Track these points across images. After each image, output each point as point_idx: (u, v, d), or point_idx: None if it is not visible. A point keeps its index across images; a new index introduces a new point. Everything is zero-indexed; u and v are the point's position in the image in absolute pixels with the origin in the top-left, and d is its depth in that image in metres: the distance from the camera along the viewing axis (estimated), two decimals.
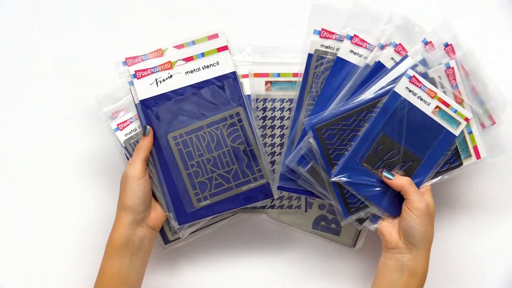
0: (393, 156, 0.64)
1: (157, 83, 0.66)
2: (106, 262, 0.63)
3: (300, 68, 0.67)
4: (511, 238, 0.75)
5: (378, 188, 0.65)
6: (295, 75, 0.68)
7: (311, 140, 0.65)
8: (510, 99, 0.67)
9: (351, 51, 0.66)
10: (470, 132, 0.65)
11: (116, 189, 0.68)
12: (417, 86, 0.63)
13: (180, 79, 0.66)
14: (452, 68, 0.64)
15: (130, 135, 0.68)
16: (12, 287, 0.75)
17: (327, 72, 0.66)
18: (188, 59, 0.66)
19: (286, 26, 0.78)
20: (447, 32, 0.66)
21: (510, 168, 0.76)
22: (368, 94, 0.64)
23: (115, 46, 0.79)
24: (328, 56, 0.66)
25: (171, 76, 0.66)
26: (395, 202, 0.65)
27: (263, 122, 0.69)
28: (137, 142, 0.67)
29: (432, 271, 0.63)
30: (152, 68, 0.66)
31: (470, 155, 0.66)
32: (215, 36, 0.67)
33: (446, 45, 0.66)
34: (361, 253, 0.75)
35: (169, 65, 0.66)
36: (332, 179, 0.65)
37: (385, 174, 0.64)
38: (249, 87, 0.68)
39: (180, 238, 0.71)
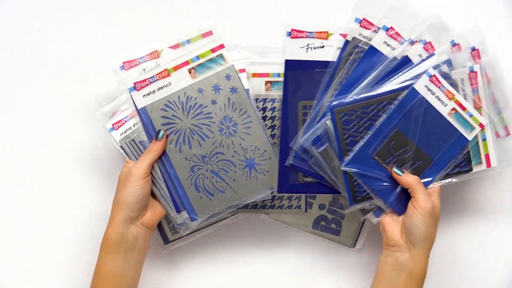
0: (405, 153, 0.64)
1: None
2: (101, 260, 0.63)
3: (334, 54, 0.68)
4: None
5: (386, 183, 0.65)
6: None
7: (328, 122, 0.65)
8: None
9: (385, 42, 0.67)
10: (484, 139, 0.65)
11: (115, 186, 0.68)
12: (436, 85, 0.64)
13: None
14: (475, 72, 0.65)
15: (125, 134, 0.68)
16: (11, 285, 0.75)
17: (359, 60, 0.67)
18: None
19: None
20: (476, 37, 0.67)
21: None
22: (390, 86, 0.65)
23: (115, 46, 0.79)
24: (362, 45, 0.67)
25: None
26: (401, 199, 0.64)
27: (263, 122, 0.69)
28: (133, 141, 0.67)
29: (436, 274, 0.63)
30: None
31: (480, 162, 0.66)
32: (209, 33, 0.67)
33: (473, 49, 0.67)
34: (361, 253, 0.75)
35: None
36: (343, 168, 0.65)
37: (395, 169, 0.64)
38: (246, 81, 0.68)
39: (180, 238, 0.71)
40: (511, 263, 0.75)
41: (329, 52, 0.68)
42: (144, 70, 0.68)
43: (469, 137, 0.64)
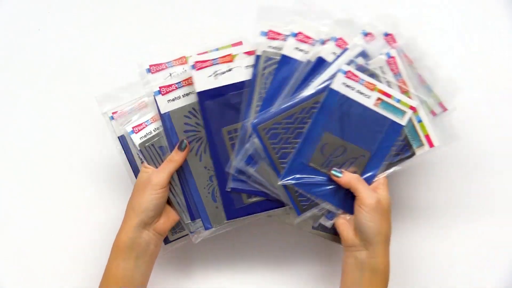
0: (340, 153, 0.63)
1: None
2: (111, 263, 0.63)
3: (247, 73, 0.66)
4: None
5: (330, 186, 0.64)
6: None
7: (255, 140, 0.64)
8: (462, 85, 0.65)
9: (296, 48, 0.65)
10: (420, 121, 0.63)
11: (117, 189, 0.68)
12: (354, 80, 0.62)
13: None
14: (393, 57, 0.63)
15: (145, 138, 0.67)
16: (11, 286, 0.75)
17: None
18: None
19: None
20: (387, 22, 0.65)
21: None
22: (308, 91, 0.63)
23: (115, 46, 0.80)
24: (274, 57, 0.65)
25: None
26: (348, 198, 0.63)
27: None
28: (153, 145, 0.66)
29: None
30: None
31: (422, 144, 0.64)
32: (239, 43, 0.67)
33: (386, 34, 0.65)
34: None
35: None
36: (280, 183, 0.64)
37: (333, 172, 0.63)
38: None
39: (180, 238, 0.71)
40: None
41: (239, 73, 0.66)
42: (170, 75, 0.68)
43: (403, 122, 0.62)
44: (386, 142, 0.63)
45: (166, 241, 0.71)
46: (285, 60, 0.65)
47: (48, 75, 0.79)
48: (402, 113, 0.62)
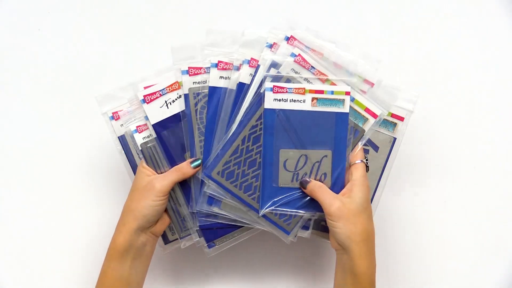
0: (303, 163, 0.62)
1: None
2: (107, 265, 0.62)
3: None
4: None
5: (308, 197, 0.63)
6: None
7: (213, 185, 0.63)
8: (380, 57, 0.65)
9: (220, 77, 0.65)
10: (353, 99, 0.63)
11: (117, 189, 0.68)
12: (283, 92, 0.61)
13: None
14: (299, 55, 0.63)
15: (148, 139, 0.67)
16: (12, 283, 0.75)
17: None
18: None
19: None
20: (285, 26, 0.65)
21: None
22: (238, 120, 0.63)
23: (115, 46, 0.79)
24: (202, 91, 0.65)
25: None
26: None
27: None
28: (154, 147, 0.66)
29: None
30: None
31: (366, 118, 0.63)
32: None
33: (287, 38, 0.64)
34: None
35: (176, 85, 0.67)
36: (262, 213, 0.63)
37: (301, 185, 0.62)
38: None
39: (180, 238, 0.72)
40: None
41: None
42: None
43: (345, 109, 0.62)
44: (340, 134, 0.62)
45: (166, 241, 0.71)
46: (213, 91, 0.65)
47: (48, 75, 0.79)
48: (341, 102, 0.62)
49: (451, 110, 0.79)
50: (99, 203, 0.76)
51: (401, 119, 0.66)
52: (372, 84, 0.64)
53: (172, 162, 0.65)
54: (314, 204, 0.63)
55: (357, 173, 0.61)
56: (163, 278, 0.76)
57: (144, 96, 0.65)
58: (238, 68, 0.65)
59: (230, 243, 0.67)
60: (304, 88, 0.62)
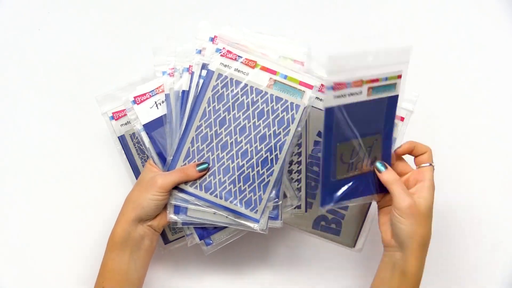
0: (357, 152, 0.62)
1: None
2: (108, 256, 0.63)
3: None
4: None
5: (364, 183, 0.63)
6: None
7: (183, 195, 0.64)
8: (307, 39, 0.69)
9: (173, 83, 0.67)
10: (286, 76, 0.64)
11: (115, 190, 0.68)
12: (342, 88, 0.59)
13: None
14: (223, 48, 0.64)
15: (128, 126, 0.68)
16: (12, 283, 0.75)
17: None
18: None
19: None
20: (208, 30, 0.67)
21: None
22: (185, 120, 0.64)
23: (115, 45, 0.79)
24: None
25: None
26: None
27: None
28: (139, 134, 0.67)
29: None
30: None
31: (303, 91, 0.64)
32: (301, 63, 0.67)
33: (211, 39, 0.66)
34: (361, 253, 0.74)
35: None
36: (325, 209, 0.63)
37: (378, 166, 0.62)
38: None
39: (180, 238, 0.71)
40: None
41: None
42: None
43: (397, 92, 0.61)
44: (389, 116, 0.62)
45: (166, 241, 0.71)
46: (177, 96, 0.66)
47: (48, 75, 0.79)
48: (393, 86, 0.61)
49: (451, 110, 0.79)
50: (99, 203, 0.76)
51: (401, 119, 0.66)
52: (302, 63, 0.66)
53: (164, 161, 0.65)
54: (368, 188, 0.63)
55: (428, 176, 0.61)
56: (162, 276, 0.76)
57: (135, 97, 0.67)
58: (180, 77, 0.66)
59: (226, 241, 0.67)
60: (361, 80, 0.59)
